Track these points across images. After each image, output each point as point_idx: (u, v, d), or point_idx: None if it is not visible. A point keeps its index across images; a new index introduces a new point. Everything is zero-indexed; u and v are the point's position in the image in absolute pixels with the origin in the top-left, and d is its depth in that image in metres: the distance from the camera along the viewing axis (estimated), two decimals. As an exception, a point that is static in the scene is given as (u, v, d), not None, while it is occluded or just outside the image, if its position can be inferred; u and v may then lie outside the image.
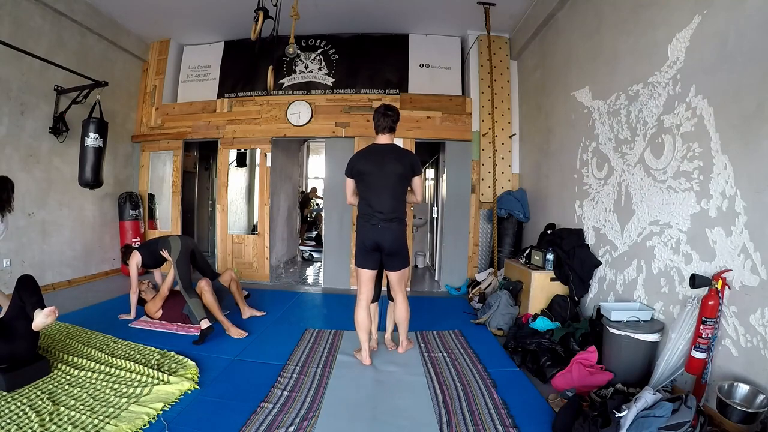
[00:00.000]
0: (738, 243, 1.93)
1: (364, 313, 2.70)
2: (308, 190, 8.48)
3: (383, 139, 2.69)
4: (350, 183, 2.76)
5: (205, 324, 2.99)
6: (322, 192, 6.21)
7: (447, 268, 5.09)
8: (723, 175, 2.03)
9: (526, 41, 4.63)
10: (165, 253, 3.39)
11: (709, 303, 1.94)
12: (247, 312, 3.64)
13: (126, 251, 3.62)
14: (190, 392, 2.24)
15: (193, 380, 2.34)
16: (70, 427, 1.84)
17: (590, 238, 3.30)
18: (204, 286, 3.22)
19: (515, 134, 4.98)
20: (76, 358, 2.54)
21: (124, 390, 2.20)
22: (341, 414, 2.08)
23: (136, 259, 3.44)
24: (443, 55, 5.36)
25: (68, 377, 2.33)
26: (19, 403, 2.01)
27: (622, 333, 2.34)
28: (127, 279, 3.96)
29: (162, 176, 5.72)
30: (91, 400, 2.08)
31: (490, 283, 4.30)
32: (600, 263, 3.14)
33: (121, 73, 5.30)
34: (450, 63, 5.35)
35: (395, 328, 2.99)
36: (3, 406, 1.99)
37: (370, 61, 5.36)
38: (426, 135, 5.03)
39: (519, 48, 4.87)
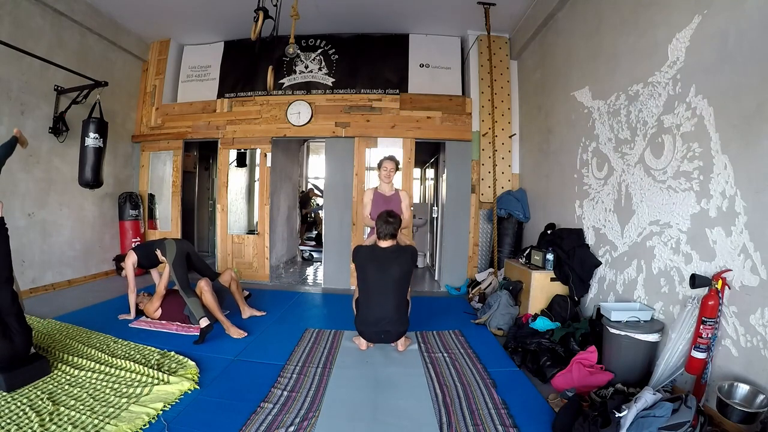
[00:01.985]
0: (738, 243, 1.93)
1: None
2: (306, 190, 8.42)
3: (386, 244, 2.91)
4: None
5: (204, 322, 3.00)
6: (323, 191, 6.21)
7: (447, 268, 5.09)
8: (723, 175, 2.03)
9: (526, 41, 4.63)
10: (159, 254, 3.41)
11: (709, 303, 1.94)
12: (247, 312, 3.64)
13: (120, 259, 3.64)
14: (190, 392, 2.24)
15: (193, 380, 2.34)
16: (70, 427, 1.84)
17: (590, 238, 3.31)
18: (204, 286, 3.22)
19: (515, 134, 4.98)
20: (76, 358, 2.54)
21: (124, 390, 2.20)
22: (341, 414, 2.08)
23: (132, 259, 3.45)
24: (443, 55, 5.35)
25: (68, 377, 2.33)
26: (19, 403, 2.01)
27: (622, 333, 2.34)
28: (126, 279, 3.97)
29: (162, 176, 5.72)
30: (91, 400, 2.08)
31: (490, 283, 4.30)
32: (600, 263, 3.14)
33: (121, 73, 5.30)
34: (450, 63, 5.35)
35: None
36: (3, 406, 1.99)
37: (370, 61, 5.36)
38: (426, 135, 5.04)
39: (519, 48, 4.87)
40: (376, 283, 2.83)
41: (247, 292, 4.02)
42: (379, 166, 3.53)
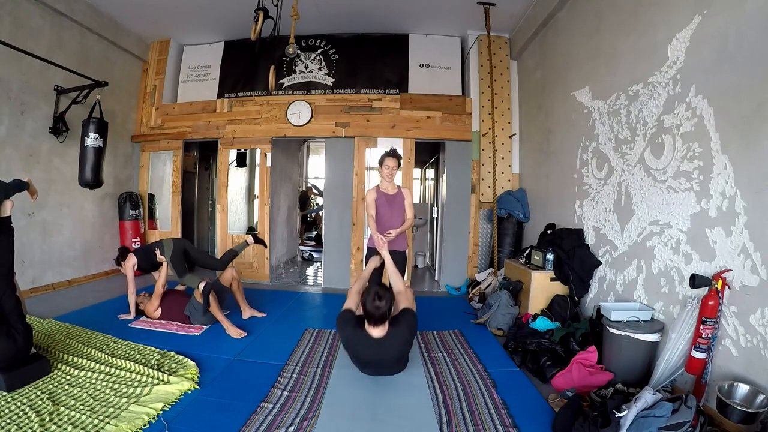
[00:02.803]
0: (738, 243, 1.93)
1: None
2: (305, 188, 8.30)
3: (377, 332, 2.31)
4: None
5: (202, 285, 3.12)
6: (321, 191, 6.20)
7: (447, 268, 5.09)
8: (723, 175, 2.03)
9: (526, 41, 4.63)
10: (158, 253, 3.45)
11: (709, 303, 1.94)
12: (247, 312, 3.64)
13: (122, 252, 3.66)
14: (190, 392, 2.24)
15: (193, 380, 2.34)
16: (70, 427, 1.84)
17: (590, 238, 3.30)
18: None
19: (515, 134, 4.98)
20: (76, 358, 2.54)
21: (124, 390, 2.20)
22: (341, 414, 2.08)
23: (132, 260, 3.49)
24: (443, 55, 5.35)
25: (68, 377, 2.33)
26: (19, 403, 2.01)
27: (622, 333, 2.34)
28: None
29: (162, 176, 5.72)
30: (91, 400, 2.08)
31: (490, 283, 4.30)
32: (600, 263, 3.14)
33: (121, 73, 5.30)
34: (450, 63, 5.35)
35: None
36: (3, 406, 1.99)
37: (370, 61, 5.36)
38: (426, 135, 5.04)
39: (519, 48, 4.87)
40: (369, 365, 2.44)
41: (256, 231, 4.06)
42: (381, 163, 3.24)
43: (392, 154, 3.27)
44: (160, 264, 3.47)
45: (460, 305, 4.26)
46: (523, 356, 2.79)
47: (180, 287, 3.74)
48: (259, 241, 4.06)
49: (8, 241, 2.33)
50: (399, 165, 3.32)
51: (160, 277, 3.39)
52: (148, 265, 3.57)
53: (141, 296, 3.57)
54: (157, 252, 3.45)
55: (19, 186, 2.61)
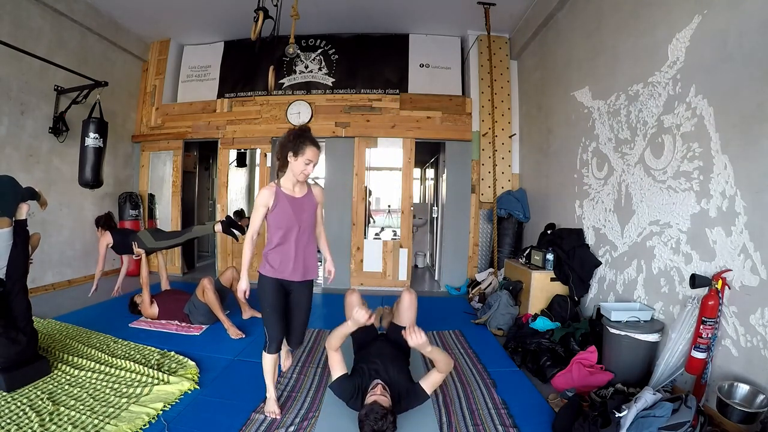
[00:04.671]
0: (738, 243, 1.93)
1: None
2: None
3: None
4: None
5: (218, 226, 3.39)
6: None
7: (447, 268, 5.09)
8: (723, 175, 2.03)
9: (526, 41, 4.63)
10: (135, 246, 3.50)
11: (709, 303, 1.94)
12: (248, 312, 3.64)
13: (107, 218, 3.75)
14: (190, 392, 2.24)
15: (193, 380, 2.34)
16: (70, 427, 1.84)
17: (590, 238, 3.30)
18: (206, 284, 3.23)
19: (515, 134, 4.98)
20: (76, 358, 2.54)
21: (124, 390, 2.20)
22: (341, 414, 2.07)
23: (106, 239, 3.56)
24: (443, 55, 5.36)
25: (68, 377, 2.33)
26: (19, 403, 2.01)
27: (622, 333, 2.34)
28: (128, 279, 4.00)
29: (162, 176, 5.72)
30: (91, 400, 2.09)
31: (490, 283, 4.30)
32: (600, 263, 3.14)
33: (121, 73, 5.30)
34: (450, 63, 5.35)
35: None
36: (3, 406, 1.99)
37: (370, 61, 5.36)
38: (426, 135, 5.04)
39: (519, 48, 4.87)
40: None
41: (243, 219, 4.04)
42: (296, 152, 1.94)
43: (314, 141, 1.98)
44: (134, 250, 3.54)
45: (460, 305, 4.26)
46: (523, 356, 2.79)
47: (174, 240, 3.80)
48: (231, 230, 3.50)
49: (24, 244, 2.33)
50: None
51: (142, 268, 3.45)
52: (122, 248, 3.64)
53: (140, 296, 3.57)
54: (135, 245, 3.50)
55: (32, 194, 2.69)
